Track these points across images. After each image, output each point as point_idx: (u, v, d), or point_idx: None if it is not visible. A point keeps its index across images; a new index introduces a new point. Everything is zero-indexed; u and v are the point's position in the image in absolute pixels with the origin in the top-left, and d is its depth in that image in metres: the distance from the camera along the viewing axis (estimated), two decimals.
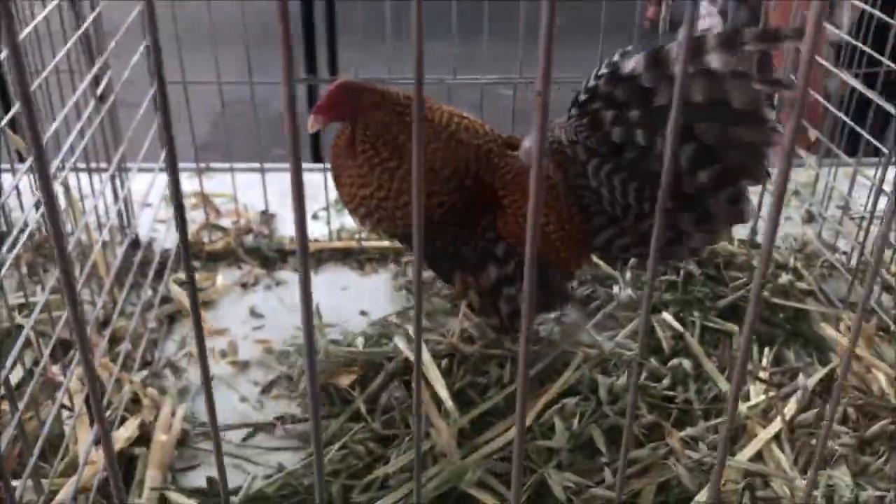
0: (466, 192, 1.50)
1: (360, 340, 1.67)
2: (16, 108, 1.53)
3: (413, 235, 0.64)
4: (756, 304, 0.65)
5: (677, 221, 1.40)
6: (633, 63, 1.31)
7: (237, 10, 1.79)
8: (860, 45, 1.79)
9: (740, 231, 2.01)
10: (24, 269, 1.72)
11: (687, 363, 1.62)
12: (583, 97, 1.39)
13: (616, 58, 1.36)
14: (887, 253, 1.86)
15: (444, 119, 1.51)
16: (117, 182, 1.78)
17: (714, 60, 1.23)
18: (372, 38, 1.89)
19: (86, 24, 1.59)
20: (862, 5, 1.81)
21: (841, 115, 1.86)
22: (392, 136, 1.46)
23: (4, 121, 1.41)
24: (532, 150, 1.46)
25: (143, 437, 1.46)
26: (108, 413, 1.48)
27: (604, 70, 1.36)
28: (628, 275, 1.85)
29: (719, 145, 1.31)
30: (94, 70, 1.63)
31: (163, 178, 1.93)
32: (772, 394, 1.55)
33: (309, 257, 0.63)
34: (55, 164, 1.54)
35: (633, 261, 1.61)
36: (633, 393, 0.79)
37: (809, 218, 2.07)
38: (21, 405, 1.18)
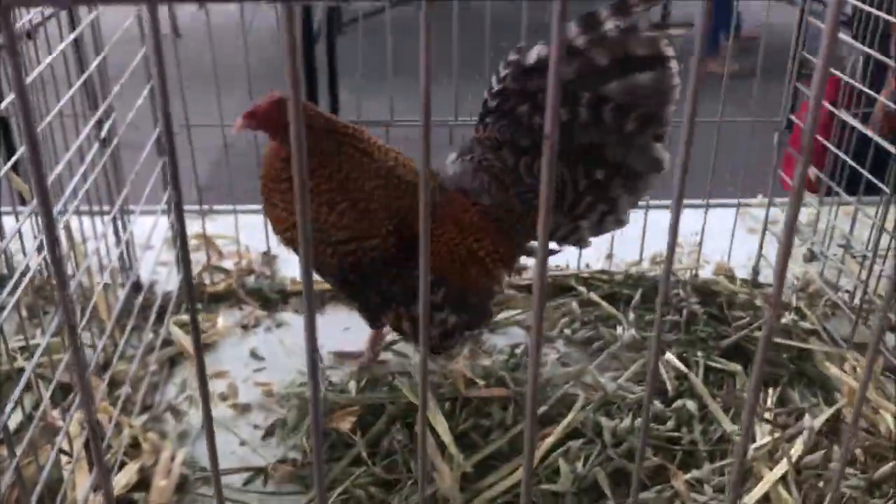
0: (399, 233, 1.48)
1: (352, 384, 1.65)
2: (21, 151, 1.54)
3: (420, 278, 0.64)
4: (764, 349, 0.64)
5: (609, 190, 1.50)
6: (535, 53, 1.39)
7: (238, 52, 1.80)
8: (858, 84, 1.80)
9: (742, 271, 2.01)
10: (25, 313, 1.71)
11: (691, 404, 1.60)
12: (494, 102, 1.46)
13: (512, 56, 1.43)
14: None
15: (384, 155, 1.49)
16: (119, 224, 1.78)
17: (611, 28, 1.35)
18: (372, 79, 1.90)
19: (90, 70, 1.60)
20: (860, 46, 1.82)
21: (841, 153, 1.87)
22: (335, 168, 1.43)
23: (6, 167, 1.42)
24: (459, 173, 1.53)
25: (143, 482, 1.44)
26: (107, 457, 1.46)
27: (506, 70, 1.43)
28: (631, 315, 1.84)
29: (630, 100, 1.41)
30: (98, 114, 1.64)
31: (165, 221, 1.94)
32: (777, 435, 1.54)
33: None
34: (58, 207, 1.54)
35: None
36: (643, 439, 0.78)
37: (811, 257, 2.07)
38: (19, 450, 1.17)
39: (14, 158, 1.49)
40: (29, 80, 1.43)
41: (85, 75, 1.59)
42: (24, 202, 1.75)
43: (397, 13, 2.19)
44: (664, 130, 1.47)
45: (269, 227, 1.56)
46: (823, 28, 0.56)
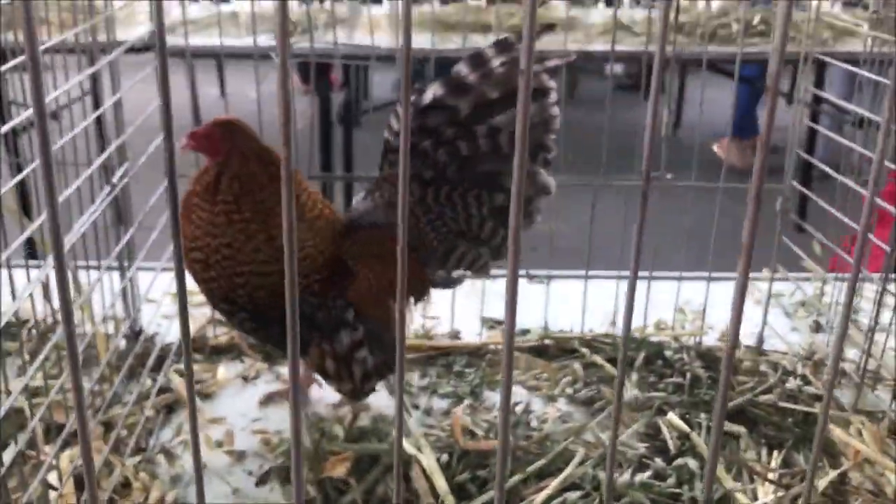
0: (322, 272, 1.53)
1: (338, 428, 1.64)
2: (42, 218, 1.56)
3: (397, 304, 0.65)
4: (725, 387, 0.64)
5: (507, 214, 1.47)
6: (431, 93, 1.47)
7: (252, 106, 1.85)
8: (863, 150, 1.83)
9: (746, 339, 2.00)
10: (27, 357, 1.72)
11: (693, 462, 1.57)
12: (397, 141, 1.50)
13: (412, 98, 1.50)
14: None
15: (309, 199, 1.55)
16: (124, 276, 1.80)
17: (497, 64, 1.44)
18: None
19: (100, 108, 1.65)
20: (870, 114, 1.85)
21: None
22: (261, 198, 1.46)
23: (34, 225, 1.44)
24: (369, 209, 1.58)
25: None
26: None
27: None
28: (634, 375, 1.82)
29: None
30: (112, 183, 1.68)
31: (168, 275, 1.95)
32: (780, 494, 1.50)
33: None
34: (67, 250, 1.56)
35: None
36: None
37: (817, 328, 2.06)
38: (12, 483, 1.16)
39: (37, 223, 1.51)
40: (56, 147, 1.47)
41: (104, 154, 1.63)
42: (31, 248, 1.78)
43: None
44: (550, 157, 1.56)
45: None
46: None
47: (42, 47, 1.38)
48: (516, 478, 1.52)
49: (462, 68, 1.46)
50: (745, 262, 0.61)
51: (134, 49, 1.89)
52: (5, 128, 1.28)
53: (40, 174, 0.60)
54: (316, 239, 1.53)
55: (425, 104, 1.47)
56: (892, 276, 1.76)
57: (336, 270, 1.55)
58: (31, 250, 1.78)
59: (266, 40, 3.90)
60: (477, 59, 1.46)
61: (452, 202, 1.56)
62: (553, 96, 1.50)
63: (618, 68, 8.18)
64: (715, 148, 5.10)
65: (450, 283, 1.69)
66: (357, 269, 1.55)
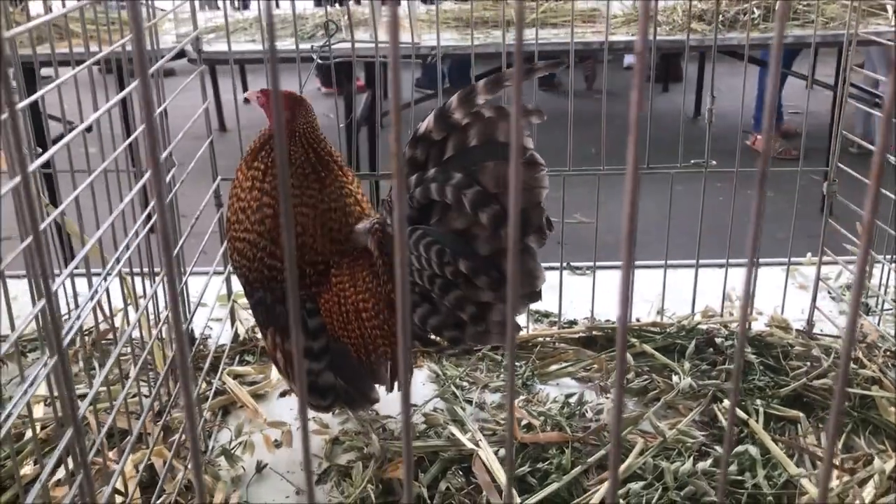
0: (309, 267, 1.49)
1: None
2: (100, 232, 1.57)
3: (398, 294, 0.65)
4: (841, 400, 0.62)
5: (476, 289, 1.36)
6: (424, 125, 1.36)
7: None
8: None
9: (795, 324, 1.99)
10: (81, 364, 1.74)
11: (753, 449, 1.56)
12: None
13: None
14: None
15: (338, 191, 1.49)
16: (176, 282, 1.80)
17: (482, 100, 1.30)
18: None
19: (155, 113, 1.66)
20: None
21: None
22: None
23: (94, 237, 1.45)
24: (363, 230, 1.47)
25: None
26: (161, 499, 1.45)
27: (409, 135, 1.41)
28: (687, 364, 1.81)
29: (499, 188, 1.31)
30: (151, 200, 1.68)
31: (218, 279, 1.96)
32: (846, 479, 1.49)
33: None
34: (110, 264, 1.56)
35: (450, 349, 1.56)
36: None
37: (866, 310, 2.04)
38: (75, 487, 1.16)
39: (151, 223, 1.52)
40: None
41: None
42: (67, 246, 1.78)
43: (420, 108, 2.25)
44: (539, 239, 1.35)
45: None
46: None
47: (87, 62, 1.39)
48: (577, 469, 1.52)
49: (453, 101, 1.33)
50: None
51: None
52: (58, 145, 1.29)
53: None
54: (322, 235, 1.48)
55: (419, 134, 1.37)
56: None
57: (320, 272, 1.49)
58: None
59: (287, 45, 3.91)
60: (468, 94, 1.32)
61: (419, 251, 1.37)
62: (532, 157, 1.33)
63: (633, 59, 8.18)
64: (749, 143, 5.08)
65: (428, 343, 1.49)
66: (335, 280, 1.48)
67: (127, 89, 1.54)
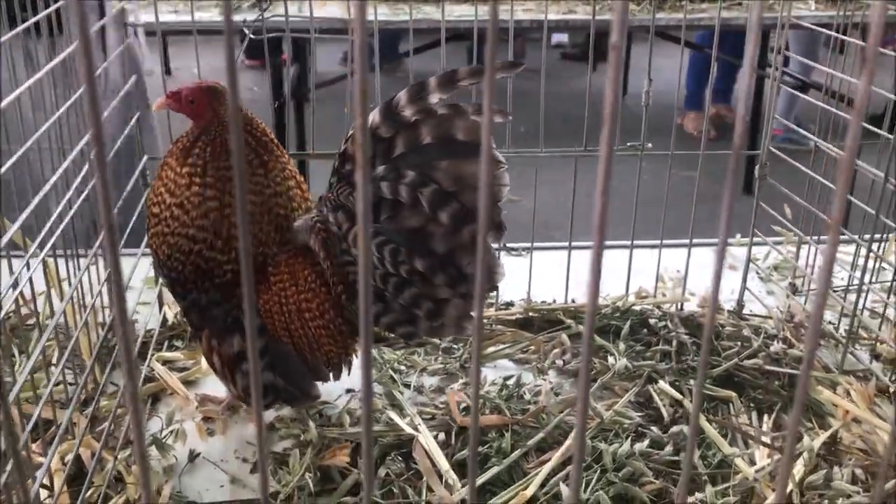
0: (258, 255, 1.45)
1: (346, 418, 1.61)
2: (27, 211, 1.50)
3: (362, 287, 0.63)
4: (804, 384, 0.62)
5: (433, 286, 1.35)
6: (372, 116, 1.32)
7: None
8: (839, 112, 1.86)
9: (725, 305, 2.02)
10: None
11: (687, 429, 1.59)
12: (337, 162, 1.39)
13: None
14: (874, 322, 1.88)
15: (280, 175, 1.45)
16: (100, 265, 1.74)
17: (435, 99, 1.28)
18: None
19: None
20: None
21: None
22: (227, 165, 1.41)
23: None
24: (303, 228, 1.44)
25: None
26: (90, 492, 1.40)
27: (352, 130, 1.36)
28: (622, 345, 1.83)
29: (456, 186, 1.31)
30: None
31: (146, 261, 1.90)
32: (777, 457, 1.52)
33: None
34: (34, 248, 1.49)
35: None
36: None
37: (794, 290, 2.09)
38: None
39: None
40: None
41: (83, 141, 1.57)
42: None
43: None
44: (497, 236, 1.38)
45: None
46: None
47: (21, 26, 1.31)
48: (517, 452, 1.52)
49: (402, 97, 1.31)
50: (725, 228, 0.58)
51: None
52: None
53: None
54: (268, 223, 1.44)
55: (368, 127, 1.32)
56: (867, 236, 1.80)
57: (257, 265, 1.44)
58: None
59: (214, 16, 3.79)
60: (419, 91, 1.30)
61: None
62: (503, 169, 1.33)
63: (563, 38, 8.22)
64: (679, 121, 5.26)
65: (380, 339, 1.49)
66: (274, 280, 1.44)
67: (62, 55, 1.46)
